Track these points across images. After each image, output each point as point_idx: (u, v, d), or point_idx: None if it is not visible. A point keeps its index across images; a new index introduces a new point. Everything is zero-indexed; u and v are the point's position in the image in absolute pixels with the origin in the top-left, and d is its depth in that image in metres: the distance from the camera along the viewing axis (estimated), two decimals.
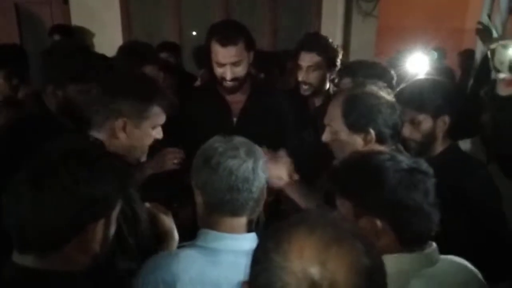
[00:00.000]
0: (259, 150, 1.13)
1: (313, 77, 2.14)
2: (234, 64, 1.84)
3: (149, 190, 1.69)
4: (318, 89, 2.18)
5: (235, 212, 1.07)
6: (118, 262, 1.20)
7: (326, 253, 0.64)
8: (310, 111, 2.22)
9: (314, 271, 0.62)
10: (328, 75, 2.20)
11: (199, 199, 1.12)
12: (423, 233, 0.99)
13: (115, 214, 0.95)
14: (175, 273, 1.00)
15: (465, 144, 1.87)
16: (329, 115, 1.42)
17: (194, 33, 4.77)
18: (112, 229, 0.96)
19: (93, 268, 0.95)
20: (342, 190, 1.05)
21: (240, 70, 1.87)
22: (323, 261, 0.63)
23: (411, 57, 2.95)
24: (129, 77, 1.39)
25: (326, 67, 2.15)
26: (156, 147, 1.49)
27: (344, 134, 1.37)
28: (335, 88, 2.18)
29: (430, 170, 1.02)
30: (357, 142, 1.35)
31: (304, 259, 0.64)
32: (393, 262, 0.93)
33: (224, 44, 1.82)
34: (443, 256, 1.02)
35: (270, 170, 1.35)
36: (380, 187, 0.97)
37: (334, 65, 2.19)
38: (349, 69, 2.02)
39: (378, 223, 0.97)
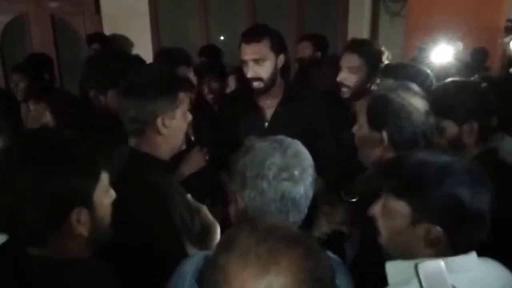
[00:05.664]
0: (308, 159, 1.07)
1: (352, 79, 2.08)
2: (256, 61, 1.84)
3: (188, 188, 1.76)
4: (357, 93, 2.09)
5: None
6: (189, 252, 1.22)
7: (267, 276, 0.64)
8: (351, 113, 2.19)
9: None
10: (370, 79, 2.10)
11: (241, 205, 1.06)
12: (476, 242, 0.94)
13: (99, 198, 0.96)
14: None
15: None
16: (359, 107, 1.43)
17: (221, 38, 4.84)
18: (102, 213, 0.97)
19: (106, 254, 0.98)
20: (401, 192, 0.96)
21: (263, 70, 1.86)
22: (268, 285, 0.63)
23: (436, 48, 2.86)
24: (152, 75, 1.40)
25: (367, 71, 2.08)
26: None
27: (365, 128, 1.38)
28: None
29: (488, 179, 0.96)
30: (375, 140, 1.35)
31: None
32: (433, 265, 0.91)
33: (247, 40, 1.85)
34: (480, 260, 0.97)
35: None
36: (448, 194, 0.91)
37: (378, 69, 2.09)
38: (390, 70, 1.95)
39: (438, 230, 0.92)
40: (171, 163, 1.42)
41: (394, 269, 0.97)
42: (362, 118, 1.39)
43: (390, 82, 1.79)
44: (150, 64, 2.14)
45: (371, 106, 1.37)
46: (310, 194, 1.06)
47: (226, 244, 0.70)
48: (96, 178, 0.95)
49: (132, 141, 1.33)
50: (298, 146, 1.08)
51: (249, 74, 1.86)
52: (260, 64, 1.85)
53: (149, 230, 1.17)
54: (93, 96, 1.66)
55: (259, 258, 0.65)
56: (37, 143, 0.92)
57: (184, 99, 1.36)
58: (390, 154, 1.31)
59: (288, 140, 1.08)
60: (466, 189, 0.91)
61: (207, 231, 1.38)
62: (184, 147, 1.44)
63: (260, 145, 1.06)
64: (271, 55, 1.87)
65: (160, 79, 1.35)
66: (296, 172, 1.01)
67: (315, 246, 0.70)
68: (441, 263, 0.92)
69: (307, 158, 1.07)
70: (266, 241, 0.67)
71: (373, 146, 1.36)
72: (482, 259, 0.98)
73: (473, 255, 0.95)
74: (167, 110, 1.30)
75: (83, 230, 0.93)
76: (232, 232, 0.73)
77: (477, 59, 4.15)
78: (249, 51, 1.84)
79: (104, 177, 0.97)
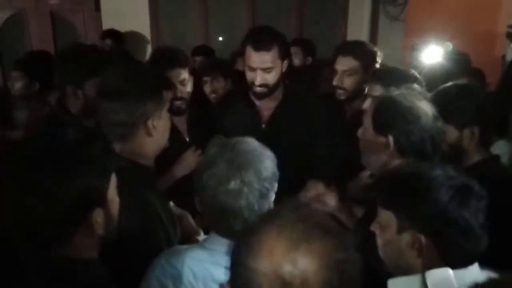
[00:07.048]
0: (258, 171, 1.04)
1: (348, 82, 2.09)
2: (265, 70, 1.84)
3: (177, 189, 1.75)
4: (354, 94, 2.11)
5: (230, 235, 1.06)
6: None
7: (296, 252, 0.65)
8: (347, 117, 2.17)
9: (285, 271, 0.64)
10: (366, 80, 2.08)
11: (198, 205, 1.12)
12: (469, 254, 0.95)
13: (111, 196, 0.97)
14: (181, 268, 1.05)
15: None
16: (366, 111, 1.41)
17: (220, 38, 4.83)
18: (114, 211, 0.98)
19: (108, 254, 0.98)
20: (387, 202, 1.00)
21: (271, 78, 1.87)
22: (293, 260, 0.65)
23: (425, 49, 2.84)
24: (136, 77, 1.38)
25: (363, 72, 2.08)
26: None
27: (370, 132, 1.34)
28: None
29: (483, 191, 0.97)
30: (380, 144, 1.31)
31: (274, 260, 0.65)
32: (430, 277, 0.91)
33: (257, 48, 1.83)
34: (484, 274, 0.96)
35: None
36: (430, 202, 0.93)
37: (373, 69, 2.09)
38: (378, 75, 1.93)
39: (422, 239, 0.94)
40: (156, 169, 1.41)
41: (397, 286, 0.97)
42: (367, 121, 1.35)
43: (377, 87, 1.79)
44: (125, 65, 2.13)
45: (377, 109, 1.33)
46: (262, 203, 1.05)
47: (269, 214, 0.75)
48: (109, 177, 0.96)
49: (117, 146, 1.28)
50: (251, 156, 1.05)
51: (257, 81, 1.86)
52: (268, 72, 1.86)
53: (132, 240, 1.15)
54: (71, 92, 1.63)
55: (294, 233, 0.67)
56: (53, 142, 0.90)
57: (166, 97, 1.37)
58: (395, 160, 1.29)
59: (244, 146, 1.06)
60: (445, 196, 0.93)
61: (188, 238, 1.39)
62: (168, 145, 1.43)
63: (213, 150, 1.07)
64: (278, 63, 1.88)
65: (147, 80, 1.34)
66: (232, 185, 1.01)
67: (350, 242, 0.71)
68: (449, 271, 0.93)
69: (256, 170, 1.04)
70: (305, 222, 0.69)
71: (377, 151, 1.33)
72: (484, 273, 0.96)
73: (474, 268, 0.95)
74: (156, 111, 1.30)
75: (99, 229, 0.93)
76: (278, 206, 0.77)
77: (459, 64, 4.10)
78: (258, 60, 1.84)
79: (114, 175, 0.98)
